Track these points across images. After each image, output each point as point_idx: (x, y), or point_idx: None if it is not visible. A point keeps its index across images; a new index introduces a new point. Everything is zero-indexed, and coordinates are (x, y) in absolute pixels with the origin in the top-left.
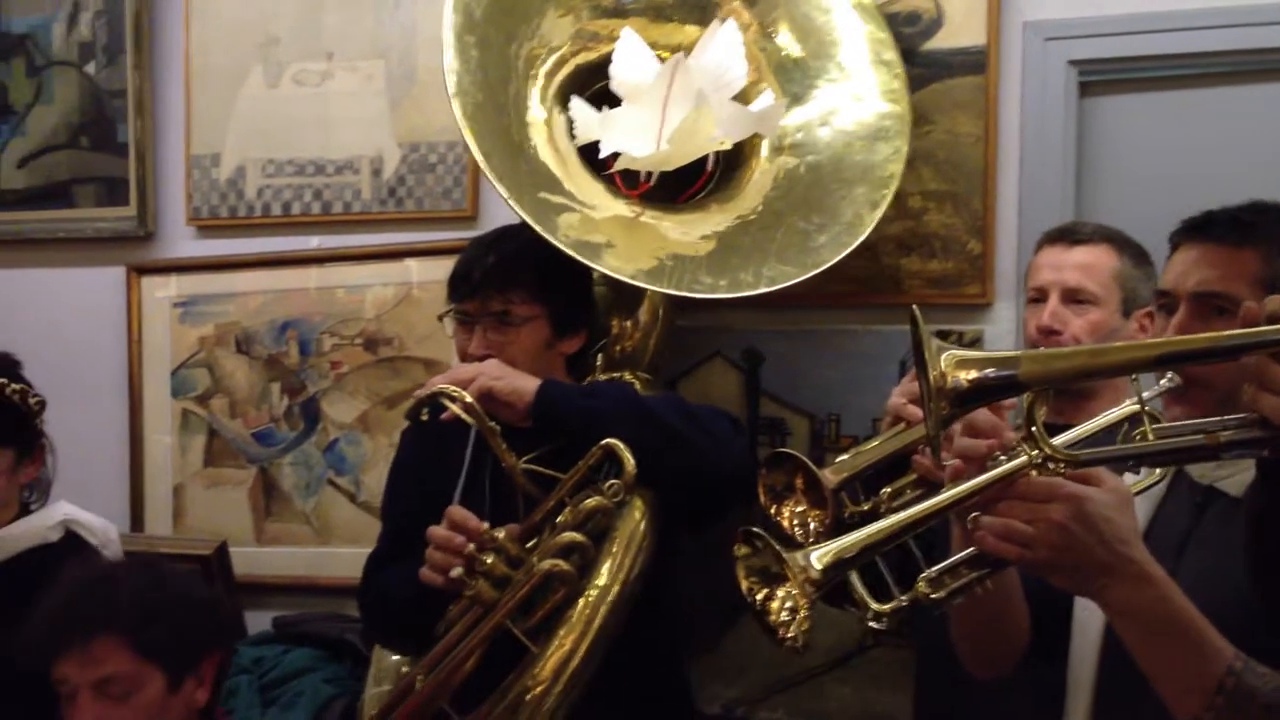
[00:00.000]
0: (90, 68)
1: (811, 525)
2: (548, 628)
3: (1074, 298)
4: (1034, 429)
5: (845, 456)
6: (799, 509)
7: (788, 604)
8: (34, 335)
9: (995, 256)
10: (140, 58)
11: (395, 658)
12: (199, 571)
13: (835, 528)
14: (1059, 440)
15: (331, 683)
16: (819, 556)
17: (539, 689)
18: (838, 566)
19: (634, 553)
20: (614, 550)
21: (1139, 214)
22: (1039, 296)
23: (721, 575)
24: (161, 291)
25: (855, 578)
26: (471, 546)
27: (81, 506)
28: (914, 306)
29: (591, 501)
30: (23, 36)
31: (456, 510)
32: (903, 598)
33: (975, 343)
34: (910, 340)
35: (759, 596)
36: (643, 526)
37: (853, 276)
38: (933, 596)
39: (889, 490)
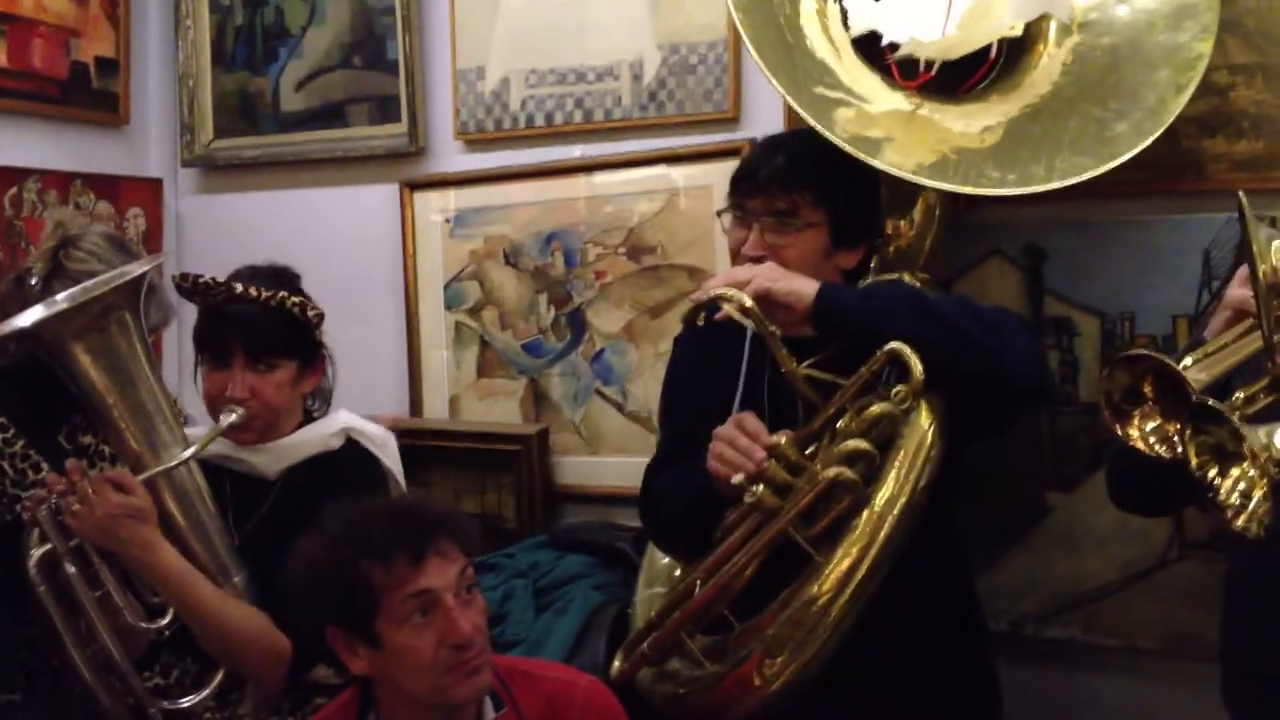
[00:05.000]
0: None
1: (1174, 439)
2: (831, 537)
3: None
4: None
5: (1200, 360)
6: (1150, 421)
7: (1240, 485)
8: (314, 252)
9: None
10: None
11: (666, 561)
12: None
13: None
14: None
15: (602, 589)
16: None
17: (823, 599)
18: None
19: (922, 461)
20: (900, 459)
21: None
22: None
23: (1002, 490)
24: (434, 206)
25: None
26: (761, 453)
27: (365, 418)
28: (1240, 193)
29: (876, 408)
30: None
31: (749, 418)
32: None
33: None
34: (1235, 228)
35: (1210, 474)
36: (931, 434)
37: (1147, 162)
38: None
39: (1242, 396)
